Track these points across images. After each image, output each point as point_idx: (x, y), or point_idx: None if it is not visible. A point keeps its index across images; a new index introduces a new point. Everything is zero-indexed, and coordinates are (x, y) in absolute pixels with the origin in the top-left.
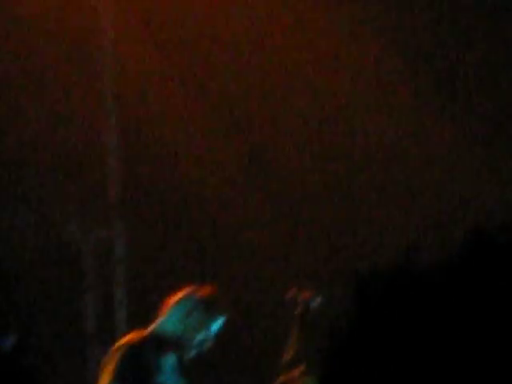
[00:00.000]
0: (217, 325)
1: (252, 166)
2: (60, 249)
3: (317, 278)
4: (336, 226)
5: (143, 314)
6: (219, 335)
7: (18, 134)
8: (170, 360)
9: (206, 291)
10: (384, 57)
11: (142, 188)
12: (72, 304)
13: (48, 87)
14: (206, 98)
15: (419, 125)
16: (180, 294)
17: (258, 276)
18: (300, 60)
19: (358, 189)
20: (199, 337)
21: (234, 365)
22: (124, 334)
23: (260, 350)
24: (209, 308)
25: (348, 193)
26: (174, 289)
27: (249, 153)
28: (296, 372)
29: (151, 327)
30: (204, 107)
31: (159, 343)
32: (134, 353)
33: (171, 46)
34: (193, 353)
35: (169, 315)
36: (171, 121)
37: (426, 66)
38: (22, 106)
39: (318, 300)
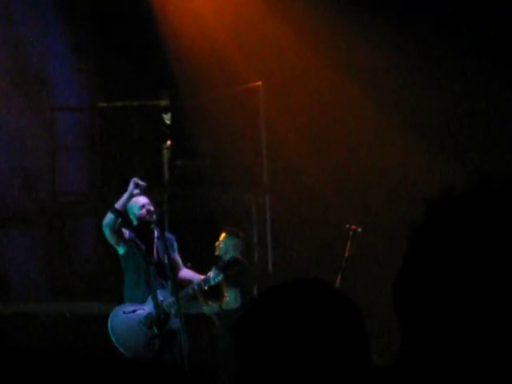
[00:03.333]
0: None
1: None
2: (240, 208)
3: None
4: None
5: (283, 250)
6: None
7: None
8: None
9: (235, 229)
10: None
11: (282, 179)
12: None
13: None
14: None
15: None
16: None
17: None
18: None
19: None
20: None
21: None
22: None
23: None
24: (235, 237)
25: None
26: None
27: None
28: None
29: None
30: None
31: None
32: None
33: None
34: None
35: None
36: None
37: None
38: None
39: (361, 229)
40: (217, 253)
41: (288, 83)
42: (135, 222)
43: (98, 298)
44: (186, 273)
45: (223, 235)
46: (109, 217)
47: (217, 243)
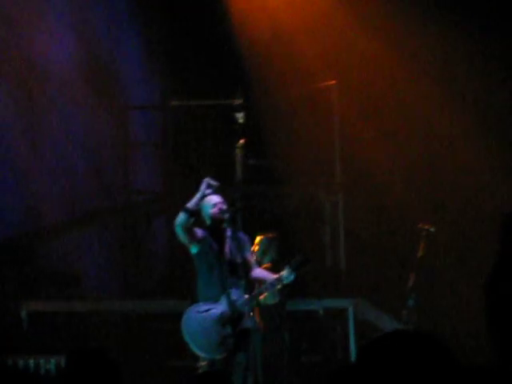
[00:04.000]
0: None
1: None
2: (313, 207)
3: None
4: None
5: (356, 249)
6: None
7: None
8: None
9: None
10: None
11: (356, 178)
12: (314, 236)
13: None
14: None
15: None
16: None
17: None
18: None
19: None
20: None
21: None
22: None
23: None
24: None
25: None
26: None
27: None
28: None
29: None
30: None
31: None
32: None
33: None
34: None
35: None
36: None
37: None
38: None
39: (434, 229)
40: (255, 258)
41: (362, 82)
42: (208, 221)
43: (170, 297)
44: (258, 272)
45: (258, 239)
46: (181, 216)
47: (252, 248)
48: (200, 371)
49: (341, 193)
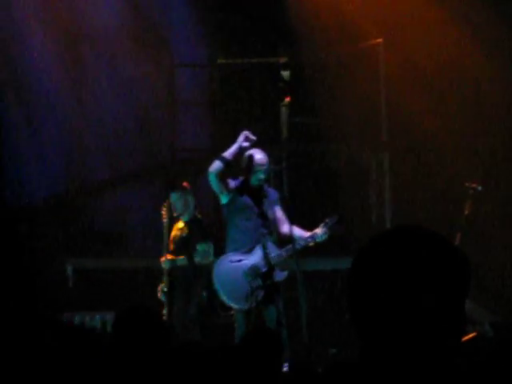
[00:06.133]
0: None
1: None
2: (358, 165)
3: None
4: None
5: (401, 208)
6: None
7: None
8: None
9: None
10: None
11: (402, 137)
12: (360, 195)
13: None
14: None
15: None
16: None
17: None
18: None
19: None
20: None
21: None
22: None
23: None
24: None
25: None
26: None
27: None
28: None
29: None
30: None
31: None
32: None
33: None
34: None
35: None
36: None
37: None
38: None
39: (481, 187)
40: (175, 215)
41: (409, 40)
42: (245, 176)
43: (216, 255)
44: (290, 229)
45: (173, 196)
46: (216, 163)
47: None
48: (236, 322)
49: (387, 151)
